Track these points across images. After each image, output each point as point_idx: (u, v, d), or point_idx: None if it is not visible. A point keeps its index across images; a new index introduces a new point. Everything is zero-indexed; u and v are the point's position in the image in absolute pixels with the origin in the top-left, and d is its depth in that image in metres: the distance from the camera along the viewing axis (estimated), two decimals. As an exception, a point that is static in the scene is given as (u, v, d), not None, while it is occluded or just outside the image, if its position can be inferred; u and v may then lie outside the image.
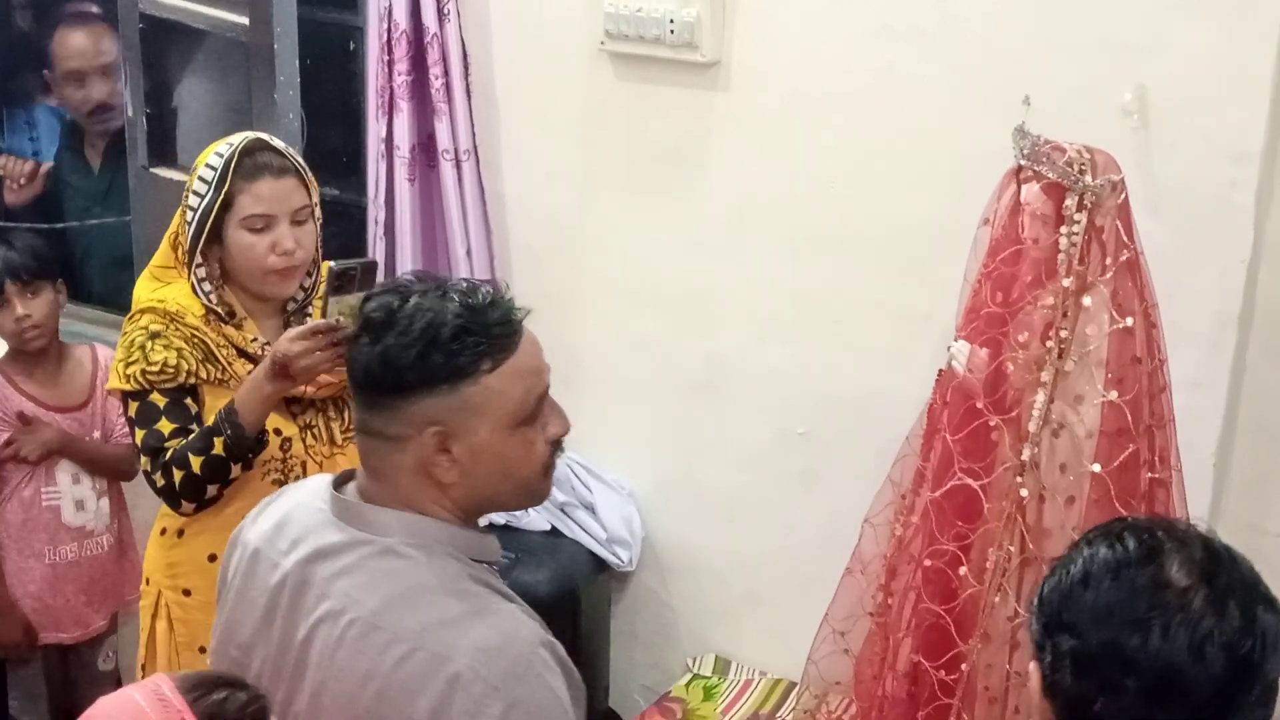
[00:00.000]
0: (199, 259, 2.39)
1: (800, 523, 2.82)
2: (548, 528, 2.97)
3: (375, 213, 3.03)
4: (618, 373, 3.01)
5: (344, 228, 3.23)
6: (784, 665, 2.83)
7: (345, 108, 3.20)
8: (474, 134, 2.95)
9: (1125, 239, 1.97)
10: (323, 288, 2.34)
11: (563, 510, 2.97)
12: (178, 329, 2.38)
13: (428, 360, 1.63)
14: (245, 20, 3.04)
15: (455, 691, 1.57)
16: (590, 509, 2.98)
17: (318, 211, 2.47)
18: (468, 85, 2.92)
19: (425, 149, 2.98)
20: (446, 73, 2.89)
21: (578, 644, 2.94)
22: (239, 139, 2.42)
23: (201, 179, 2.39)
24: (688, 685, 2.93)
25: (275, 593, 1.73)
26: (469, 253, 3.00)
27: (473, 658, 1.58)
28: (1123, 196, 1.97)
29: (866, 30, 2.53)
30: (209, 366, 2.38)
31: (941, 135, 2.47)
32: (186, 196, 2.43)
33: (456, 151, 2.94)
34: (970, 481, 2.06)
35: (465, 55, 2.91)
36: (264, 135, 2.47)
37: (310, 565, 1.71)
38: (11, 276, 3.04)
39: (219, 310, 2.40)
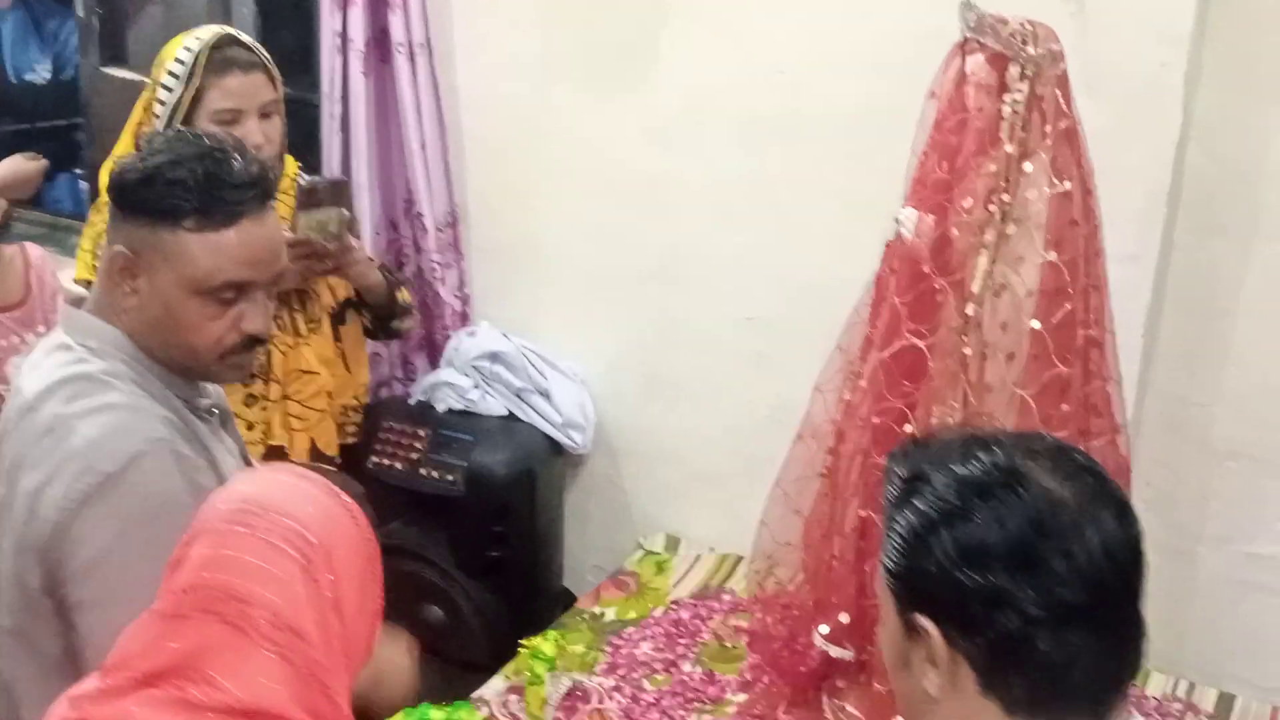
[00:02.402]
0: None
1: (750, 404, 2.92)
2: (505, 413, 3.05)
3: (330, 107, 3.07)
4: (573, 262, 3.09)
5: (299, 124, 3.26)
6: (733, 541, 2.94)
7: (298, 4, 3.23)
8: (427, 27, 2.99)
9: (1064, 108, 2.07)
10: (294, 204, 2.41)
11: (519, 396, 3.05)
12: None
13: (143, 190, 1.73)
14: (198, -85, 3.07)
15: (64, 466, 1.68)
16: (545, 395, 3.07)
17: (282, 107, 2.51)
18: (422, -22, 2.96)
19: (379, 43, 3.02)
20: (400, -35, 2.94)
21: (534, 525, 3.05)
22: (207, 33, 2.45)
23: (171, 73, 2.42)
24: (639, 561, 3.04)
25: None
26: (423, 145, 3.05)
27: (86, 440, 1.68)
28: (1062, 67, 2.07)
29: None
30: None
31: (887, 20, 2.56)
32: (154, 89, 2.46)
33: (411, 44, 2.99)
34: (917, 341, 2.16)
35: (419, -53, 2.95)
36: (231, 29, 2.51)
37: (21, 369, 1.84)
38: None
39: None
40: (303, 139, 3.15)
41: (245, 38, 2.50)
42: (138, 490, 1.67)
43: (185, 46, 2.44)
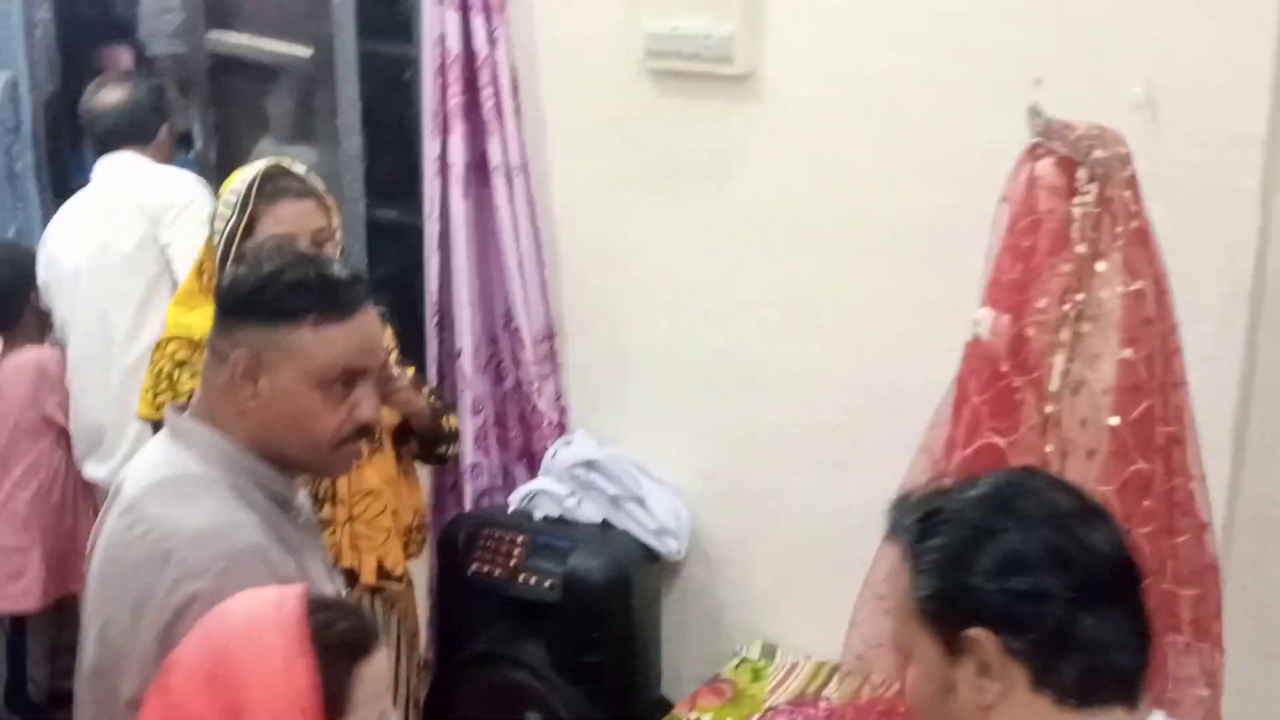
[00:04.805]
0: None
1: (836, 510, 2.93)
2: (600, 520, 3.12)
3: (431, 228, 3.21)
4: (661, 372, 3.17)
5: (401, 247, 3.43)
6: (827, 649, 2.93)
7: (402, 134, 3.39)
8: (523, 150, 3.13)
9: (1134, 208, 2.12)
10: None
11: (614, 503, 3.12)
12: (201, 354, 2.42)
13: (261, 293, 1.84)
14: (309, 53, 3.25)
15: (166, 567, 1.74)
16: (640, 502, 3.13)
17: (338, 235, 2.59)
18: (517, 104, 3.10)
19: (478, 166, 3.16)
20: (497, 93, 3.07)
21: (630, 631, 3.09)
22: (261, 165, 2.55)
23: (225, 204, 2.52)
24: (736, 668, 3.06)
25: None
26: (521, 263, 3.17)
27: (188, 540, 1.75)
28: (1131, 169, 2.12)
29: (882, 38, 2.70)
30: None
31: (956, 131, 2.63)
32: (212, 223, 2.55)
33: (508, 167, 3.11)
34: (998, 440, 2.20)
35: (515, 76, 3.09)
36: (284, 161, 2.60)
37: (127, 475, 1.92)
38: None
39: None
40: (408, 258, 3.32)
41: (298, 167, 2.59)
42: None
43: (239, 179, 2.54)
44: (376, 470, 2.68)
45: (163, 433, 1.94)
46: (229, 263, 2.50)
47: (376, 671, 1.58)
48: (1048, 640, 1.39)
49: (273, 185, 2.52)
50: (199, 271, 2.59)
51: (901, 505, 1.56)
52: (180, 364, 2.50)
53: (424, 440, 2.80)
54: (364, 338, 1.89)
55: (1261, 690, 2.55)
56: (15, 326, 3.52)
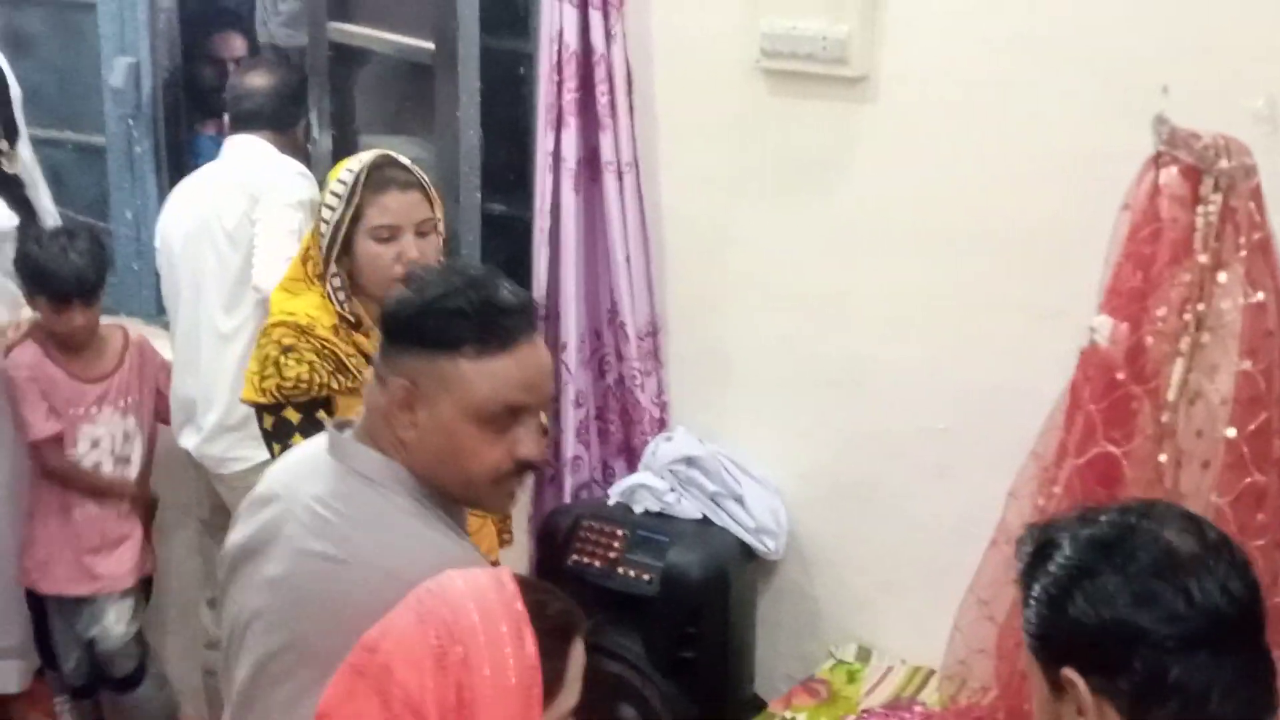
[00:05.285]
0: (333, 269, 2.53)
1: (936, 515, 2.95)
2: (699, 516, 3.14)
3: (541, 222, 3.24)
4: (762, 371, 3.18)
5: (510, 240, 3.47)
6: (924, 653, 2.94)
7: (516, 129, 3.43)
8: (635, 147, 3.15)
9: (1258, 219, 2.11)
10: None
11: (713, 500, 3.14)
12: (309, 341, 2.50)
13: (422, 321, 1.78)
14: (431, 45, 3.30)
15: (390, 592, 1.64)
16: (739, 500, 3.14)
17: (441, 226, 2.62)
18: (631, 101, 3.13)
19: (589, 162, 3.19)
20: (612, 90, 3.09)
21: (727, 627, 3.11)
22: (368, 156, 2.57)
23: (333, 193, 2.54)
24: (831, 669, 3.07)
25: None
26: (628, 259, 3.20)
27: (420, 572, 1.65)
28: (1256, 180, 2.10)
29: (1001, 41, 2.69)
30: (340, 377, 2.50)
31: (1072, 138, 2.61)
32: (319, 211, 2.58)
33: (619, 164, 3.14)
34: (1112, 449, 2.19)
35: (629, 73, 3.12)
36: (391, 152, 2.62)
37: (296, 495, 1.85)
38: (79, 293, 3.42)
39: (350, 318, 2.53)
40: (517, 251, 3.36)
41: (404, 159, 2.61)
42: None
43: (347, 169, 2.55)
44: None
45: (323, 449, 1.89)
46: (337, 254, 2.54)
47: (581, 652, 1.60)
48: (1137, 685, 1.40)
49: (379, 175, 2.54)
50: (304, 259, 2.62)
51: (1025, 536, 1.57)
52: (286, 349, 2.50)
53: None
54: (528, 371, 1.81)
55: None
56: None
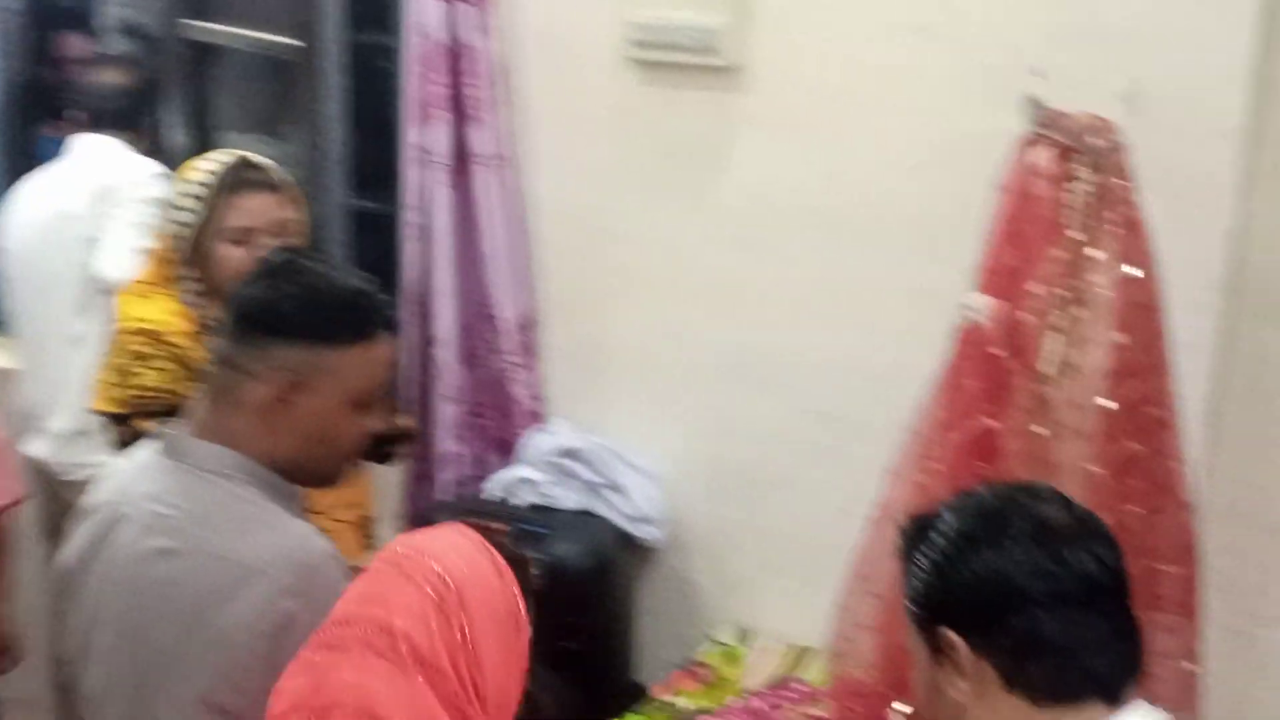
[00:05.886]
0: (187, 272, 2.49)
1: (819, 497, 2.99)
2: (580, 507, 3.14)
3: (410, 217, 3.22)
4: (643, 361, 3.19)
5: (380, 236, 3.43)
6: (803, 632, 2.98)
7: (385, 125, 3.39)
8: (508, 140, 3.14)
9: (1127, 197, 2.18)
10: None
11: (593, 490, 3.14)
12: (162, 348, 2.46)
13: (310, 314, 1.81)
14: (294, 42, 3.24)
15: (248, 588, 1.70)
16: (619, 489, 3.15)
17: (303, 227, 2.58)
18: (502, 94, 3.12)
19: (460, 156, 3.17)
20: (482, 83, 3.09)
21: (608, 616, 3.11)
22: (224, 157, 2.53)
23: (187, 195, 2.49)
24: (712, 652, 3.09)
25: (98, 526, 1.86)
26: (501, 252, 3.18)
27: (269, 562, 1.72)
28: (1124, 158, 2.18)
29: (875, 29, 2.75)
30: (195, 384, 2.39)
31: (946, 122, 2.68)
32: (172, 213, 2.52)
33: (491, 157, 3.13)
34: (990, 423, 2.25)
35: (500, 66, 3.11)
36: (247, 153, 2.58)
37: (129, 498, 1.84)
38: None
39: (208, 323, 2.46)
40: (388, 249, 3.32)
41: (263, 160, 2.57)
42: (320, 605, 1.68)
43: (202, 169, 2.51)
44: None
45: (155, 453, 1.87)
46: (191, 258, 2.49)
47: (530, 578, 1.66)
48: (1014, 643, 1.49)
49: (234, 176, 2.50)
50: (159, 262, 2.56)
51: (905, 520, 1.67)
52: (140, 358, 2.45)
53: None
54: (390, 354, 1.91)
55: (1232, 670, 2.62)
56: None
